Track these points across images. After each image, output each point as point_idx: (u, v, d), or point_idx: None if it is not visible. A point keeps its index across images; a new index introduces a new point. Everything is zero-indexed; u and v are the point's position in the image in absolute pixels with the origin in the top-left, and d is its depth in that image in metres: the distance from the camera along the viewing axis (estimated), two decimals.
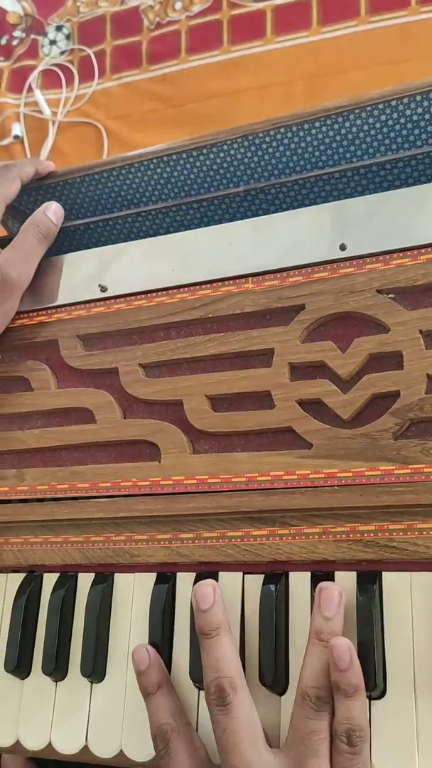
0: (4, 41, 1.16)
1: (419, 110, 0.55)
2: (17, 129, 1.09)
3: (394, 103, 0.55)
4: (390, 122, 0.55)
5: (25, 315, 0.60)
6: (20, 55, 1.14)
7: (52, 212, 0.60)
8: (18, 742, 0.52)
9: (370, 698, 0.44)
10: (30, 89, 1.11)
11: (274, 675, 0.46)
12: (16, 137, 1.09)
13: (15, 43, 1.15)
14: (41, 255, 0.59)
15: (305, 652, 0.45)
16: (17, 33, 1.15)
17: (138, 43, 1.07)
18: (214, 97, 1.01)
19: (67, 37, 1.12)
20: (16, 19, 1.15)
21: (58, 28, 1.13)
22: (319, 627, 0.44)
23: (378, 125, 0.56)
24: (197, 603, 0.47)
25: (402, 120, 0.55)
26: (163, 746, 0.46)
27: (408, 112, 0.55)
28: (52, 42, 1.12)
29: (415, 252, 0.49)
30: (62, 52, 1.12)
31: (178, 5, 1.06)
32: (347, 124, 0.56)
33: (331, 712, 0.43)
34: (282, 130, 0.58)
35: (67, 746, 0.51)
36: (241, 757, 0.43)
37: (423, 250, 0.48)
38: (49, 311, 0.59)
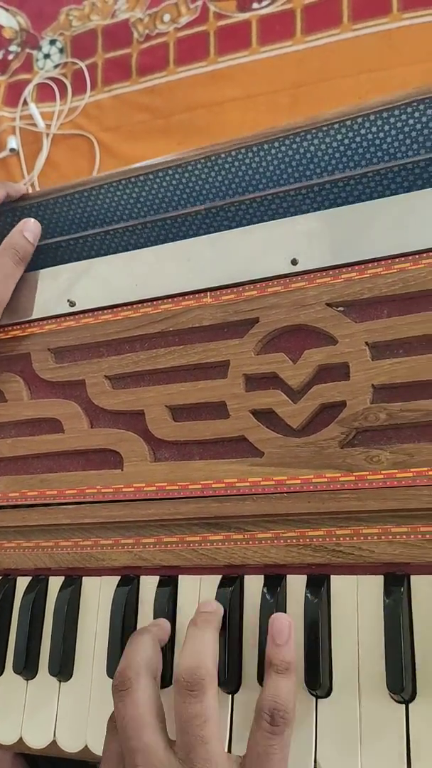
0: (0, 56, 1.18)
1: (373, 129, 0.56)
2: (13, 142, 1.12)
3: (348, 122, 0.56)
4: (346, 141, 0.57)
5: (1, 330, 0.62)
6: (16, 69, 1.17)
7: (29, 231, 0.62)
8: None
9: (317, 697, 0.46)
10: (25, 103, 1.14)
11: (227, 673, 0.48)
12: (12, 150, 1.12)
13: (11, 57, 1.17)
14: (19, 276, 0.62)
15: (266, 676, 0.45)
16: (13, 47, 1.18)
17: (128, 55, 1.09)
18: (202, 108, 1.03)
19: (61, 50, 1.14)
20: (11, 34, 1.18)
21: (52, 42, 1.15)
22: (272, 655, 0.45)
23: (335, 144, 0.57)
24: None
25: (357, 138, 0.57)
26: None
27: (362, 131, 0.56)
28: (46, 56, 1.15)
29: (362, 267, 0.50)
30: (56, 66, 1.14)
31: (167, 17, 1.08)
32: (305, 144, 0.58)
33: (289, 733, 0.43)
34: (243, 150, 0.59)
35: (36, 741, 0.53)
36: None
37: (369, 265, 0.50)
38: (23, 326, 0.61)
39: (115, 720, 0.46)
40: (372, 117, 0.55)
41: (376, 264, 0.50)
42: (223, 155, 0.60)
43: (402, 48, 0.95)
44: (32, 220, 0.63)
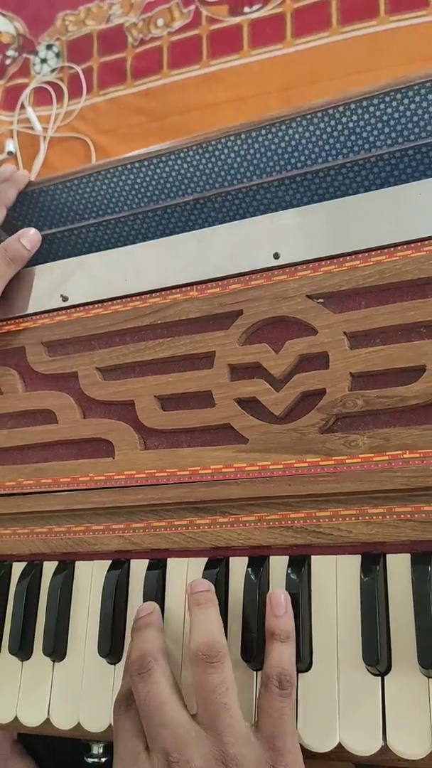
0: None
1: (354, 117, 0.59)
2: (11, 145, 1.15)
3: (331, 111, 0.59)
4: (328, 129, 0.59)
5: None
6: (13, 74, 1.19)
7: (26, 238, 0.64)
8: None
9: (298, 671, 0.48)
10: (22, 107, 1.17)
11: None
12: (10, 153, 1.14)
13: (8, 62, 1.20)
14: (9, 276, 0.64)
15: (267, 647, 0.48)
16: (10, 52, 1.20)
17: (123, 59, 1.12)
18: (195, 110, 1.05)
19: (57, 55, 1.17)
20: (9, 39, 1.21)
21: (49, 47, 1.18)
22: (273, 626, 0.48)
23: (318, 132, 0.60)
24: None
25: (339, 127, 0.59)
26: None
27: (344, 120, 0.59)
28: (43, 60, 1.17)
29: (341, 260, 0.52)
30: (52, 70, 1.17)
31: (161, 22, 1.10)
32: (290, 131, 0.60)
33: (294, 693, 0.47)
34: (232, 137, 0.62)
35: (31, 720, 0.55)
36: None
37: (347, 258, 0.52)
38: (17, 320, 0.64)
39: (124, 701, 0.49)
40: (353, 106, 0.58)
41: (353, 257, 0.52)
42: (213, 142, 0.62)
43: (389, 50, 0.97)
44: (32, 230, 0.65)
